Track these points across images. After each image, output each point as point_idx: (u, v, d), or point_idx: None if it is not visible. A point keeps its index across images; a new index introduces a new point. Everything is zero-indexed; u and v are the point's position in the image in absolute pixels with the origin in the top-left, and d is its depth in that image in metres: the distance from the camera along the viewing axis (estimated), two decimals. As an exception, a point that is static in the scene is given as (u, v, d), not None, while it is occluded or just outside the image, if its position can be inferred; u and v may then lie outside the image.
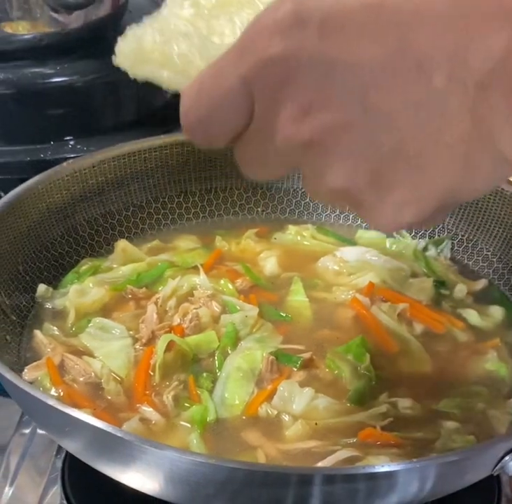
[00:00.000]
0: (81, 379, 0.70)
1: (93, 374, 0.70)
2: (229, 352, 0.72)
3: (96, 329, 0.75)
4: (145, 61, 0.65)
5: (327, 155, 0.45)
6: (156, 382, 0.69)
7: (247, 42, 0.45)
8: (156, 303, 0.78)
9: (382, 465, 0.52)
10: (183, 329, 0.74)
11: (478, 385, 0.72)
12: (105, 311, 0.79)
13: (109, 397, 0.69)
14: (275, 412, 0.67)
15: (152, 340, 0.73)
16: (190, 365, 0.72)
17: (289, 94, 0.44)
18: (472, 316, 0.80)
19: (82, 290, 0.80)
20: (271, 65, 0.44)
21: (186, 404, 0.68)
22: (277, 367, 0.71)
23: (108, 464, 0.60)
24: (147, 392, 0.69)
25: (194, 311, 0.76)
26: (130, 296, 0.81)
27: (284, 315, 0.78)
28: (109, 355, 0.72)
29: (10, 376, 0.57)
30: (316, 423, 0.66)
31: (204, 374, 0.70)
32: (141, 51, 0.65)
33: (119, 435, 0.52)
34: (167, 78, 0.64)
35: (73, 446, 0.62)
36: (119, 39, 0.65)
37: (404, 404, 0.68)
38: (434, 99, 0.41)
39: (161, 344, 0.71)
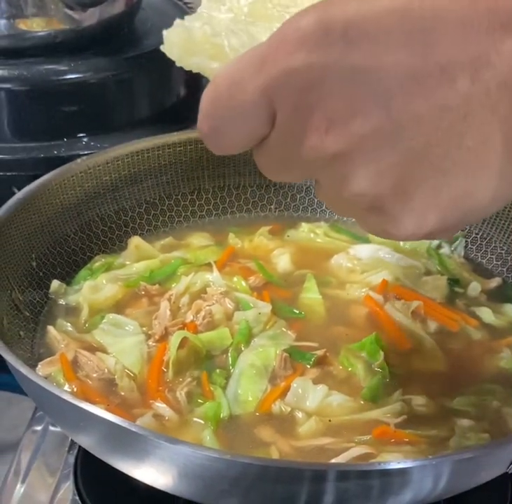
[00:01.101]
0: (94, 375, 0.70)
1: (106, 370, 0.70)
2: (242, 349, 0.72)
3: (109, 325, 0.75)
4: (194, 52, 0.65)
5: (351, 162, 0.45)
6: (169, 378, 0.69)
7: (269, 52, 0.45)
8: (169, 300, 0.78)
9: (398, 461, 0.52)
10: (196, 326, 0.74)
11: (492, 383, 0.71)
12: (119, 307, 0.79)
13: (122, 394, 0.69)
14: (289, 409, 0.67)
15: (165, 337, 0.73)
16: (203, 361, 0.71)
17: (314, 105, 0.44)
18: (486, 314, 0.80)
19: (95, 286, 0.80)
20: (295, 75, 0.43)
21: (199, 401, 0.68)
22: (290, 364, 0.71)
23: (121, 459, 0.60)
24: (161, 388, 0.69)
25: (207, 308, 0.76)
26: (143, 292, 0.81)
27: (297, 312, 0.78)
28: (122, 351, 0.72)
29: (24, 370, 0.57)
30: (330, 420, 0.66)
31: (217, 371, 0.70)
32: (191, 42, 0.64)
33: (133, 429, 0.52)
34: (217, 70, 0.64)
35: (87, 441, 0.62)
36: (167, 30, 0.65)
37: (418, 401, 0.68)
38: (457, 102, 0.42)
39: (174, 341, 0.71)
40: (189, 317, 0.75)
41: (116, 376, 0.70)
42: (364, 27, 0.43)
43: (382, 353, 0.71)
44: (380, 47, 0.42)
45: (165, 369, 0.70)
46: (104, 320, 0.76)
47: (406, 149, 0.43)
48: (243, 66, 0.46)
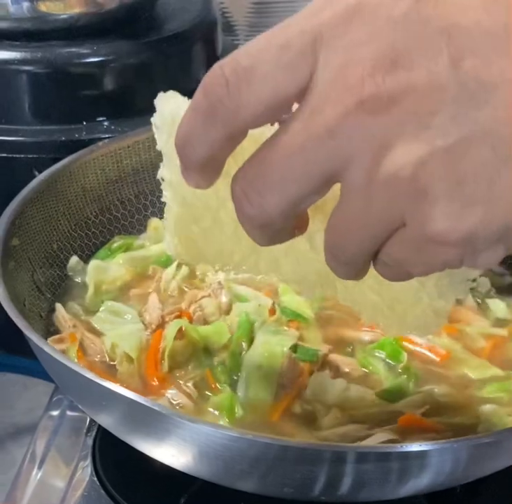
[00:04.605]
0: (95, 359, 0.70)
1: (107, 356, 0.70)
2: (244, 346, 0.70)
3: (107, 313, 0.75)
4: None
5: (402, 122, 0.38)
6: (165, 370, 0.68)
7: (323, 1, 0.40)
8: (157, 290, 0.77)
9: (419, 444, 0.52)
10: (191, 315, 0.73)
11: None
12: (125, 289, 0.79)
13: (123, 379, 0.68)
14: (309, 408, 0.66)
15: (161, 326, 0.72)
16: (201, 355, 0.70)
17: (373, 49, 0.38)
18: (498, 305, 0.78)
19: (102, 266, 0.80)
20: (357, 15, 0.38)
21: (207, 393, 0.67)
22: (299, 366, 0.68)
23: (142, 439, 0.60)
24: (159, 374, 0.68)
25: (201, 300, 0.75)
26: (150, 274, 0.81)
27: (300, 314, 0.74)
28: (121, 336, 0.71)
29: (48, 350, 0.58)
30: (352, 412, 0.65)
31: (219, 368, 0.69)
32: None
33: (156, 409, 0.53)
34: None
35: (108, 420, 0.63)
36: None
37: (441, 391, 0.67)
38: None
39: (171, 330, 0.69)
40: (184, 305, 0.74)
41: (116, 362, 0.69)
42: None
43: (405, 355, 0.70)
44: (457, 10, 0.38)
45: (163, 361, 0.69)
46: (102, 308, 0.75)
47: (469, 119, 0.38)
48: (296, 16, 0.40)
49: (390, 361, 0.70)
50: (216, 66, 0.41)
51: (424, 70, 0.37)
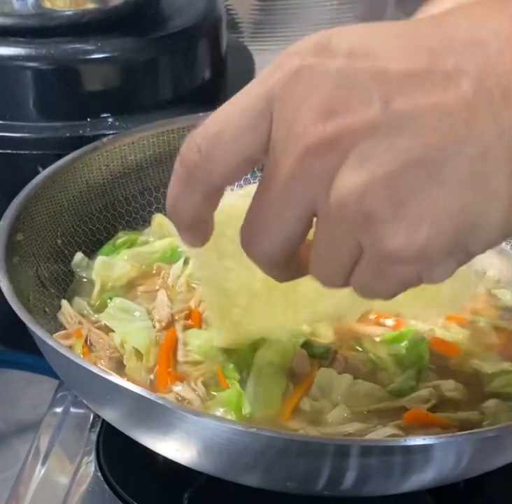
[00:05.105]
0: (102, 353, 0.70)
1: (116, 350, 0.70)
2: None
3: (116, 310, 0.74)
4: None
5: (344, 157, 0.43)
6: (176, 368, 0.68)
7: (273, 66, 0.45)
8: (165, 284, 0.77)
9: (423, 438, 0.52)
10: (200, 314, 0.73)
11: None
12: (131, 285, 0.79)
13: (131, 374, 0.68)
14: (317, 404, 0.66)
15: (171, 324, 0.72)
16: (212, 353, 0.69)
17: (314, 102, 0.43)
18: (506, 295, 0.79)
19: (108, 263, 0.80)
20: (299, 76, 0.44)
21: (213, 393, 0.67)
22: (309, 361, 0.69)
23: (147, 433, 0.60)
24: (170, 370, 0.68)
25: None
26: (155, 272, 0.81)
27: None
28: (130, 332, 0.71)
29: (52, 343, 0.58)
30: (357, 409, 0.65)
31: (230, 366, 0.68)
32: None
33: (161, 402, 0.53)
34: None
35: (113, 415, 0.63)
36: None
37: (448, 386, 0.67)
38: (459, 107, 0.42)
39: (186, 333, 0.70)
40: (193, 303, 0.74)
41: (124, 357, 0.69)
42: (369, 47, 0.44)
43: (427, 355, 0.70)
44: (385, 61, 0.43)
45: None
46: (111, 304, 0.75)
47: (402, 149, 0.42)
48: (250, 84, 0.47)
49: (415, 363, 0.70)
50: (189, 137, 0.48)
51: (358, 114, 0.43)
